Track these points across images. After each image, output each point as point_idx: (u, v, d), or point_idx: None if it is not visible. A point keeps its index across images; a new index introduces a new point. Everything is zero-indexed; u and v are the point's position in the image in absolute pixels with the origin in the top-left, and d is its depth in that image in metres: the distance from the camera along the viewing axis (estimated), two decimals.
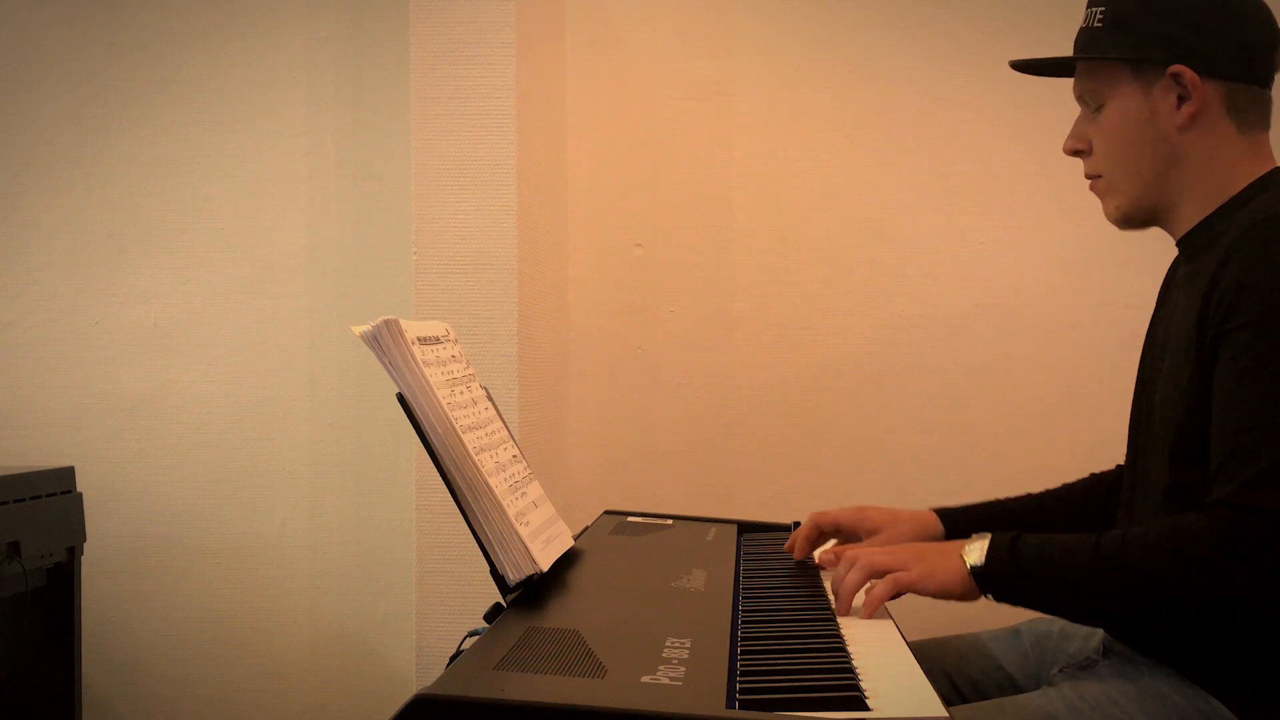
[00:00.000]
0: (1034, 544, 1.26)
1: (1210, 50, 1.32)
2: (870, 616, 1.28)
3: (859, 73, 2.65)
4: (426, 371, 1.26)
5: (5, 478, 2.10)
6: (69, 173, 2.64)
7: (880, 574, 1.30)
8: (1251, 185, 1.33)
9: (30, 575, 2.13)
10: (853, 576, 1.31)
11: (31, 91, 2.64)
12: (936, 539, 1.56)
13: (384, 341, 1.24)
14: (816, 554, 1.55)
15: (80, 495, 2.31)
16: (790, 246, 2.65)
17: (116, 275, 2.64)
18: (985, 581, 1.26)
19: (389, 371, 1.25)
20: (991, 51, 2.61)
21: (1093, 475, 1.63)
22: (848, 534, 1.62)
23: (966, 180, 2.63)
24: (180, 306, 2.63)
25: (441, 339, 1.39)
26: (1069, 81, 1.44)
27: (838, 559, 1.37)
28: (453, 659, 1.14)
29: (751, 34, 2.67)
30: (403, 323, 1.25)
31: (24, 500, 2.14)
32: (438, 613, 2.20)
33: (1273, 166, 1.36)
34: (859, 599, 1.31)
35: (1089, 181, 1.44)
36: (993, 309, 2.63)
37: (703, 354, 2.66)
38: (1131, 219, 1.41)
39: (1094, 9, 1.39)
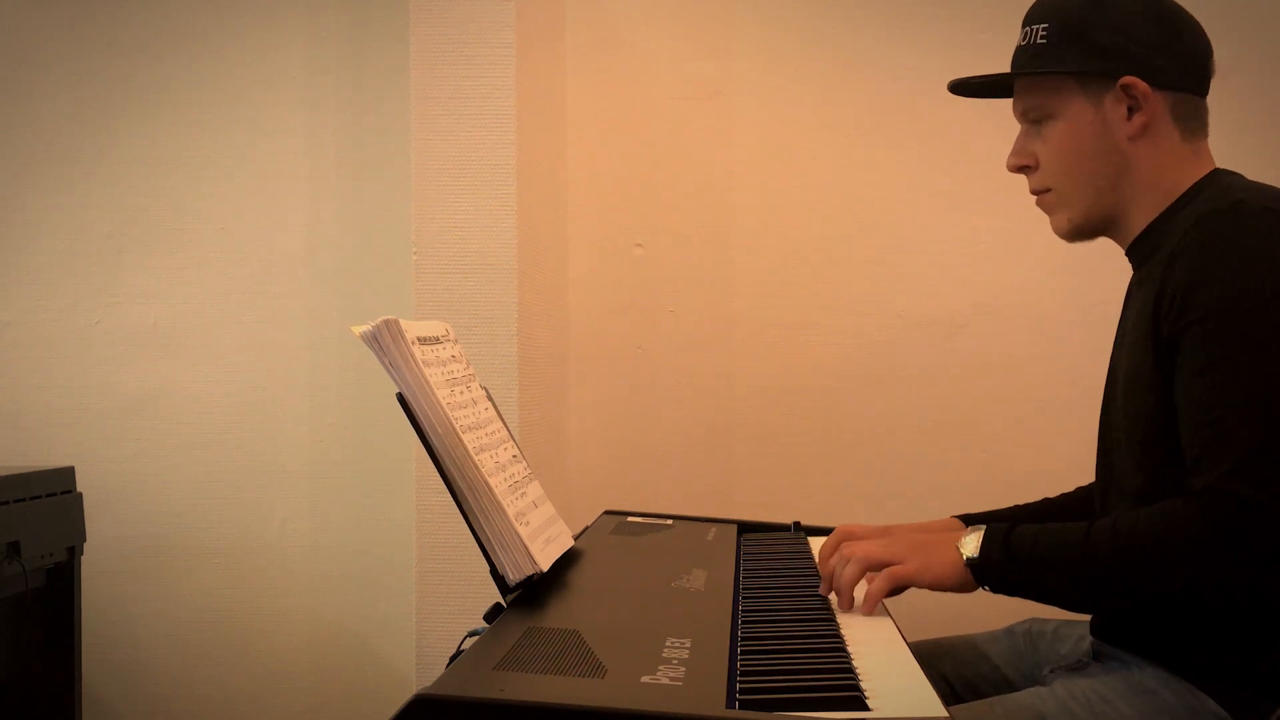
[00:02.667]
0: (1028, 534, 1.27)
1: (1158, 62, 1.35)
2: (870, 613, 1.28)
3: (859, 73, 2.65)
4: (426, 371, 1.26)
5: (5, 478, 2.10)
6: (69, 173, 2.64)
7: (876, 566, 1.31)
8: (1191, 188, 1.36)
9: (30, 575, 2.13)
10: (849, 570, 1.31)
11: (31, 91, 2.65)
12: None
13: (384, 341, 1.24)
14: (816, 550, 1.56)
15: (80, 495, 2.31)
16: (790, 246, 2.65)
17: (116, 275, 2.64)
18: (980, 572, 1.27)
19: (389, 371, 1.25)
20: (992, 52, 2.60)
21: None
22: None
23: (967, 180, 2.63)
24: (180, 306, 2.63)
25: (441, 339, 1.39)
26: None
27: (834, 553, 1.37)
28: (453, 659, 1.14)
29: (751, 34, 2.66)
30: (403, 323, 1.25)
31: (24, 500, 2.14)
32: (438, 613, 2.20)
33: (1213, 169, 1.40)
34: (858, 593, 1.31)
35: (1035, 196, 1.45)
36: (993, 309, 2.63)
37: (703, 354, 2.66)
38: (1082, 230, 1.43)
39: (1034, 26, 1.41)
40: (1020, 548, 1.26)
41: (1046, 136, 1.41)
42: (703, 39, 2.67)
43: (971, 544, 1.29)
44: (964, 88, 1.49)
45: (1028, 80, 1.43)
